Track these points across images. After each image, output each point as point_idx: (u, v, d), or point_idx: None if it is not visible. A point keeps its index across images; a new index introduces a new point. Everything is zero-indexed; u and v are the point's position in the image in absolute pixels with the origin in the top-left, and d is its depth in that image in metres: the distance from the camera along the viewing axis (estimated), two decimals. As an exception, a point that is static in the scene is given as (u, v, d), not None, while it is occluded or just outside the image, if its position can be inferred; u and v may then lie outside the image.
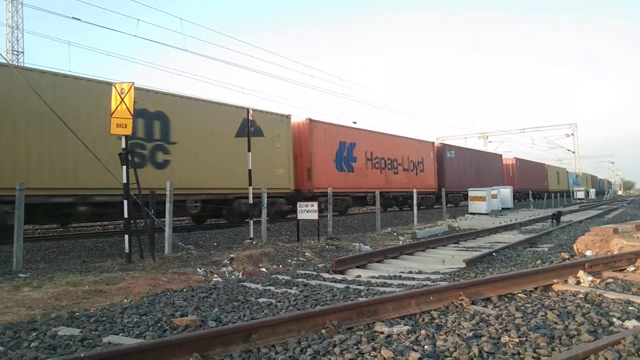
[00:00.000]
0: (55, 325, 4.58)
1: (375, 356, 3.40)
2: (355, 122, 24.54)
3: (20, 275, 7.27)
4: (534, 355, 3.35)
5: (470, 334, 3.83)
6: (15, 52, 27.19)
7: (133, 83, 8.20)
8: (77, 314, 5.09)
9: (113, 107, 8.11)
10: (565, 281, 5.84)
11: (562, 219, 17.32)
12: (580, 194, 53.26)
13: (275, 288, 6.27)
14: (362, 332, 4.00)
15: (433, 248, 10.47)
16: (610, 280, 5.97)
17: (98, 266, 8.05)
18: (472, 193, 25.89)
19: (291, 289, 6.19)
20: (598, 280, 5.91)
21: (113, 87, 8.18)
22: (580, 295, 5.17)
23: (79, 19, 18.84)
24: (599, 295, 5.10)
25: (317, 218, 11.46)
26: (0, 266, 8.42)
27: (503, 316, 4.40)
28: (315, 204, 11.52)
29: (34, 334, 4.26)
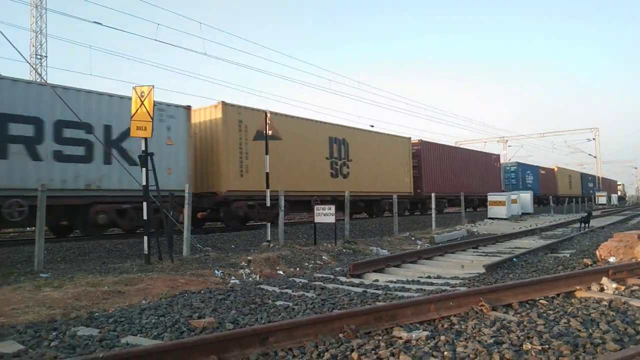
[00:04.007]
0: (75, 325, 4.62)
1: (394, 361, 3.35)
2: (372, 126, 24.91)
3: (41, 275, 7.38)
4: (558, 363, 3.26)
5: (491, 340, 3.75)
6: (39, 57, 27.74)
7: (153, 86, 8.28)
8: (96, 314, 5.14)
9: (133, 110, 8.19)
10: (589, 288, 5.71)
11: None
12: (602, 199, 52.46)
13: (292, 291, 6.25)
14: (380, 337, 3.94)
15: (452, 253, 10.35)
16: (635, 287, 5.81)
17: (117, 267, 8.13)
18: (491, 198, 25.61)
19: (308, 292, 6.17)
20: (622, 288, 5.76)
21: (133, 90, 8.27)
22: (605, 303, 5.04)
23: (100, 23, 19.11)
24: (624, 303, 4.96)
25: (334, 221, 11.42)
26: (22, 266, 8.57)
27: (525, 323, 4.30)
28: (333, 207, 11.50)
29: (54, 333, 4.30)
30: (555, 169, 50.52)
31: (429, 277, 7.35)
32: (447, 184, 27.31)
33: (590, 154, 63.00)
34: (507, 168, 40.61)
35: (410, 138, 24.97)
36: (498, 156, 36.59)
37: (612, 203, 55.63)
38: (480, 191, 29.53)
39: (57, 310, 5.23)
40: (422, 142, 25.96)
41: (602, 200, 52.77)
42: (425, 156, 25.79)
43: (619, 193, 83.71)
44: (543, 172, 46.12)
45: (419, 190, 24.66)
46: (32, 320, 4.84)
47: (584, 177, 62.93)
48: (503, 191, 34.26)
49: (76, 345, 3.91)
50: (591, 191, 60.28)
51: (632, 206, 52.80)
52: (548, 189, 44.80)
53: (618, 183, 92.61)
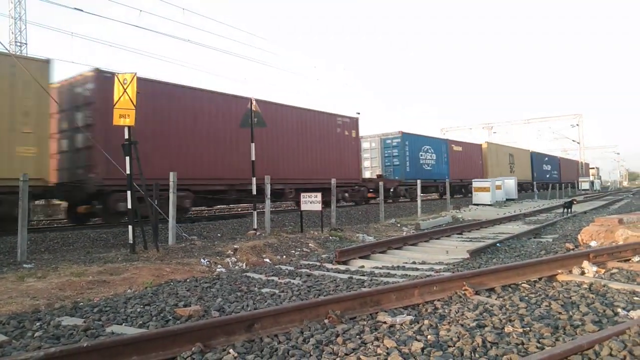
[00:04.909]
0: (59, 315, 4.59)
1: (378, 346, 3.39)
2: (358, 113, 24.07)
3: (24, 265, 7.30)
4: (538, 345, 3.33)
5: (474, 324, 3.82)
6: (18, 44, 27.14)
7: (135, 73, 8.17)
8: (81, 304, 5.10)
9: (116, 98, 8.08)
10: (570, 271, 5.82)
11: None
12: (585, 185, 53.30)
13: (279, 278, 6.27)
14: (365, 322, 3.99)
15: (437, 239, 10.45)
16: (615, 270, 5.94)
17: (102, 257, 8.07)
18: (476, 184, 25.86)
19: (294, 279, 6.20)
20: (603, 271, 5.88)
21: (115, 78, 8.16)
22: (585, 286, 5.14)
23: (81, 10, 18.74)
24: (604, 286, 5.07)
25: (320, 209, 11.44)
26: (5, 257, 8.46)
27: (507, 306, 4.38)
28: (319, 194, 11.51)
29: (37, 323, 4.27)
30: (485, 145, 37.93)
31: (413, 262, 7.42)
32: (201, 164, 14.99)
33: (573, 140, 63.88)
34: (387, 142, 26.95)
35: (49, 61, 11.82)
36: (354, 121, 21.92)
37: (595, 188, 56.40)
38: (308, 177, 18.26)
39: (41, 301, 5.18)
40: (98, 74, 12.71)
41: (585, 185, 53.57)
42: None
43: (592, 177, 66.97)
44: (458, 149, 32.98)
45: (92, 175, 12.56)
46: (15, 311, 4.79)
47: (537, 158, 47.72)
48: (375, 178, 25.52)
49: (60, 335, 3.88)
50: (548, 175, 48.66)
51: (614, 191, 53.67)
52: (467, 173, 32.03)
53: (591, 167, 76.13)
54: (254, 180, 11.78)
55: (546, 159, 51.00)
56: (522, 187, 38.84)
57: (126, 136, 8.30)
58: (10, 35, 26.86)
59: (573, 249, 7.81)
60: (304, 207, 11.65)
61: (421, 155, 28.51)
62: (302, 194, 11.92)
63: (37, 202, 14.01)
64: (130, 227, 8.37)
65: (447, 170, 30.62)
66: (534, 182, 39.38)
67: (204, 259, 7.75)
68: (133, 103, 8.06)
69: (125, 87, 8.04)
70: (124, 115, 8.07)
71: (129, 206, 8.33)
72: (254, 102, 12.12)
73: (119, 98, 8.06)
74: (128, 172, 8.29)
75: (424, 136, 30.04)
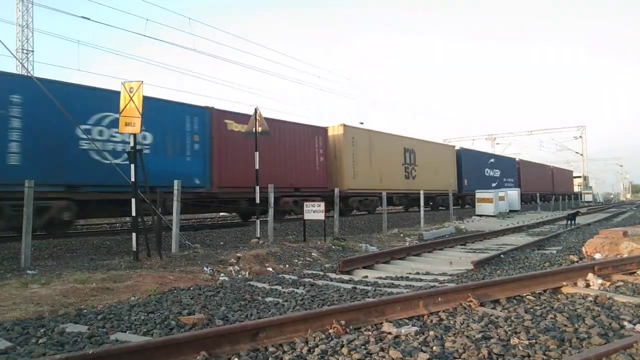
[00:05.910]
0: (63, 322, 4.59)
1: (384, 357, 3.38)
2: (362, 123, 24.11)
3: (28, 272, 7.30)
4: (544, 357, 3.32)
5: (479, 335, 3.80)
6: (25, 51, 27.33)
7: (142, 82, 8.21)
8: (85, 311, 5.10)
9: (122, 105, 8.12)
10: (575, 284, 5.79)
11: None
12: (588, 197, 53.20)
13: (282, 287, 6.26)
14: (370, 333, 3.97)
15: (440, 249, 10.43)
16: (620, 283, 5.92)
17: (106, 264, 8.07)
18: (479, 195, 25.81)
19: (298, 288, 6.18)
20: (608, 283, 5.86)
21: (122, 86, 8.20)
22: (590, 298, 5.12)
23: (89, 18, 18.86)
24: (609, 298, 5.05)
25: (323, 218, 11.43)
26: (9, 263, 8.46)
27: (512, 318, 4.36)
28: (322, 204, 11.50)
29: (42, 330, 4.27)
30: (338, 130, 20.05)
31: (417, 273, 7.40)
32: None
33: (577, 152, 63.66)
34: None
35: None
36: None
37: (598, 201, 56.18)
38: None
39: (45, 307, 5.18)
40: None
41: (588, 198, 53.49)
42: None
43: (577, 188, 56.28)
44: (245, 128, 13.07)
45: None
46: (19, 317, 4.79)
47: (471, 159, 31.62)
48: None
49: (65, 342, 3.88)
50: (495, 184, 32.67)
51: (616, 204, 53.50)
52: (283, 177, 16.70)
53: (575, 175, 60.34)
54: (257, 188, 11.80)
55: (492, 160, 34.89)
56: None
57: (131, 144, 8.33)
58: (17, 42, 27.07)
59: (577, 261, 7.77)
60: (307, 216, 11.64)
61: (78, 127, 11.09)
62: (305, 203, 11.90)
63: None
64: (134, 234, 8.37)
65: (202, 170, 14.55)
66: (463, 194, 29.45)
67: (207, 267, 7.75)
68: (139, 111, 8.10)
69: (131, 95, 8.08)
70: (130, 122, 8.10)
71: (133, 213, 8.34)
72: (258, 111, 12.16)
73: (125, 106, 8.10)
74: (133, 179, 8.31)
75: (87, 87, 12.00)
